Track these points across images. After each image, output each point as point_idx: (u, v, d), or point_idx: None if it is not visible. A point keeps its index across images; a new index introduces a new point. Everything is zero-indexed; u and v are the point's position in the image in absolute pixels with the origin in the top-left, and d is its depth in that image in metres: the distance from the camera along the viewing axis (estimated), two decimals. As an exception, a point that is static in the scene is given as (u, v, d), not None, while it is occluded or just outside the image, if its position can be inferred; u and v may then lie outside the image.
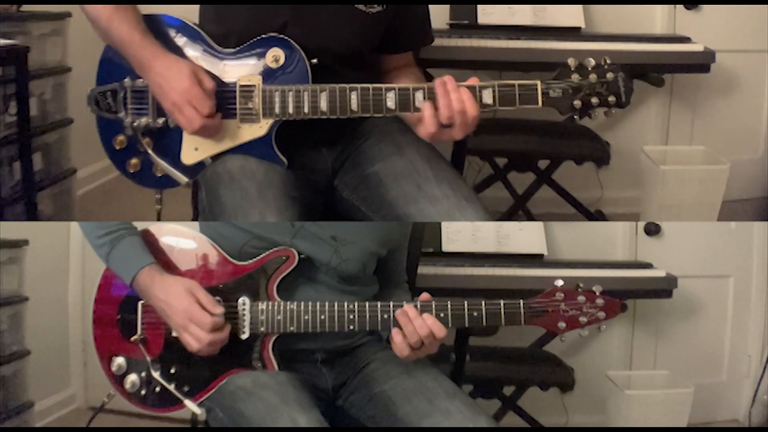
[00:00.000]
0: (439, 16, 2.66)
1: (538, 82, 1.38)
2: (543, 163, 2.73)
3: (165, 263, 1.42)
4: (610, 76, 1.38)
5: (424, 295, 1.36)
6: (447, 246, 2.40)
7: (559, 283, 1.34)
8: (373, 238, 1.46)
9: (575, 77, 1.38)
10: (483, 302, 1.33)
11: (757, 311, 2.81)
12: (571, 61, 1.38)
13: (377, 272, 1.53)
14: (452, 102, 1.36)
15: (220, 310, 1.35)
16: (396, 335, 1.34)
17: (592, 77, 1.38)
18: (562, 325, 1.34)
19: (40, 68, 2.48)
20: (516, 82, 1.38)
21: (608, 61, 1.39)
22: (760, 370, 2.73)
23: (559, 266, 2.39)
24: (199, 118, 1.39)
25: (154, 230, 1.46)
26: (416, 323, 1.32)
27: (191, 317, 1.33)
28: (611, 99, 1.38)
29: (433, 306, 1.34)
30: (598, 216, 2.91)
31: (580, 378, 2.44)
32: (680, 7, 2.99)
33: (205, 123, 1.39)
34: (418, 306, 1.33)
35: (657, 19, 2.99)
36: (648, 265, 2.49)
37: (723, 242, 2.77)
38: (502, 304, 1.33)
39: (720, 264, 2.78)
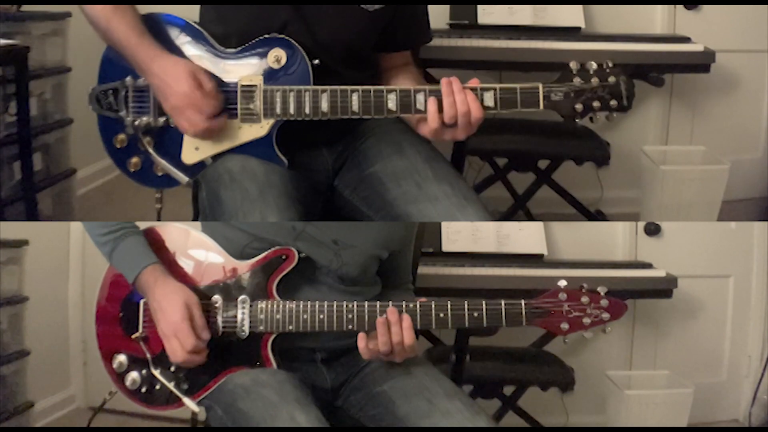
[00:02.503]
0: (439, 16, 2.66)
1: (540, 85, 1.38)
2: (543, 163, 2.73)
3: (166, 261, 1.42)
4: (612, 79, 1.38)
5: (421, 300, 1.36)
6: (447, 246, 2.40)
7: (563, 283, 1.33)
8: (375, 242, 1.46)
9: (577, 80, 1.38)
10: (484, 303, 1.33)
11: (757, 311, 2.81)
12: (573, 64, 1.38)
13: (380, 273, 1.53)
14: (457, 102, 1.36)
15: (206, 336, 1.36)
16: (360, 340, 1.34)
17: (594, 80, 1.37)
18: (564, 326, 1.32)
19: (40, 68, 2.48)
20: (518, 86, 1.37)
21: (610, 65, 1.38)
22: (760, 370, 2.73)
23: (559, 266, 2.39)
24: (202, 121, 1.39)
25: (156, 229, 1.46)
26: (393, 330, 1.32)
27: (177, 332, 1.34)
28: (613, 102, 1.38)
29: (417, 308, 1.33)
30: (598, 216, 2.91)
31: (580, 378, 2.43)
32: (680, 7, 2.99)
33: (209, 125, 1.40)
34: (403, 307, 1.33)
35: (657, 19, 2.98)
36: (648, 265, 2.49)
37: (723, 242, 2.77)
38: (503, 305, 1.32)
39: (720, 264, 2.78)
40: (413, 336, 1.32)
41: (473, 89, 1.37)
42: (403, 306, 1.33)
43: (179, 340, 1.34)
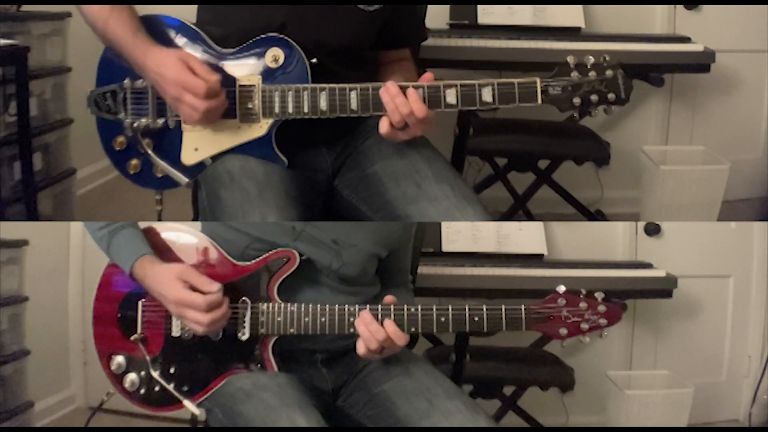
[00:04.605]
0: (439, 16, 2.66)
1: (537, 80, 1.38)
2: (543, 163, 2.73)
3: (166, 262, 1.41)
4: (609, 73, 1.38)
5: (387, 298, 1.35)
6: (447, 246, 2.40)
7: (561, 288, 1.33)
8: (374, 241, 1.46)
9: (575, 75, 1.38)
10: (484, 307, 1.33)
11: (757, 311, 2.81)
12: (571, 59, 1.38)
13: (379, 272, 1.53)
14: (398, 107, 1.37)
15: (216, 287, 1.34)
16: (359, 345, 1.34)
17: (592, 74, 1.38)
18: (563, 331, 1.33)
19: (40, 68, 2.48)
20: (515, 80, 1.38)
21: (607, 59, 1.39)
22: (760, 370, 2.73)
23: (559, 266, 2.39)
24: (201, 101, 1.37)
25: (154, 229, 1.46)
26: (372, 328, 1.32)
27: (186, 304, 1.33)
28: (611, 96, 1.38)
29: (392, 310, 1.33)
30: (598, 216, 2.91)
31: (580, 378, 2.43)
32: (680, 7, 2.99)
33: (209, 105, 1.38)
34: (378, 311, 1.33)
35: (657, 19, 2.99)
36: (648, 265, 2.49)
37: (723, 242, 2.77)
38: (503, 309, 1.32)
39: (720, 264, 2.78)
40: (400, 333, 1.32)
41: (417, 87, 1.37)
42: (405, 310, 1.33)
43: (192, 308, 1.32)
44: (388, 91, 1.38)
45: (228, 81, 1.43)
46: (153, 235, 1.45)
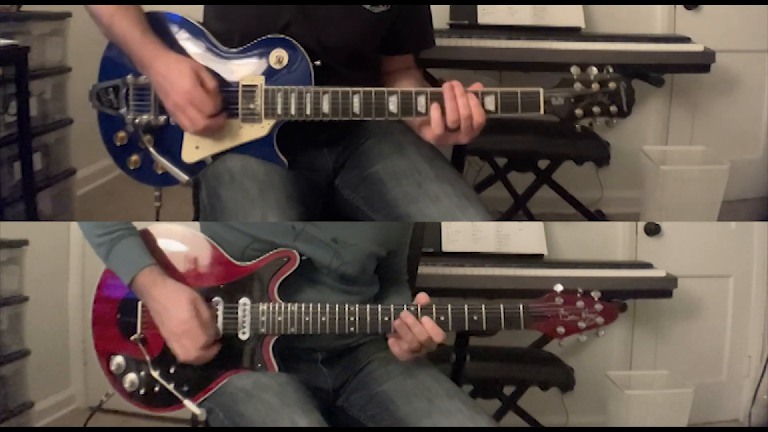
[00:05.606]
0: (439, 16, 2.65)
1: (541, 90, 1.38)
2: (543, 163, 2.73)
3: (165, 264, 1.41)
4: (612, 85, 1.38)
5: (422, 298, 1.36)
6: (447, 246, 2.40)
7: (559, 288, 1.35)
8: (374, 240, 1.46)
9: (578, 86, 1.38)
10: (483, 306, 1.34)
11: (757, 311, 2.81)
12: (574, 70, 1.39)
13: (378, 272, 1.53)
14: (459, 107, 1.36)
15: (213, 330, 1.36)
16: (393, 345, 1.35)
17: (595, 86, 1.38)
18: (561, 330, 1.34)
19: (40, 68, 2.48)
20: (519, 90, 1.38)
21: (611, 71, 1.39)
22: (760, 370, 2.73)
23: (559, 266, 2.39)
24: (202, 119, 1.38)
25: (154, 230, 1.45)
26: (415, 330, 1.32)
27: (187, 331, 1.33)
28: (613, 108, 1.39)
29: (434, 309, 1.34)
30: (598, 216, 2.91)
31: (580, 378, 2.44)
32: (680, 7, 2.99)
33: (209, 123, 1.39)
34: (418, 310, 1.34)
35: (657, 19, 2.98)
36: (648, 265, 2.49)
37: (723, 242, 2.77)
38: (502, 309, 1.34)
39: (720, 264, 2.78)
40: (440, 331, 1.34)
41: (475, 93, 1.37)
42: (404, 308, 1.34)
43: (190, 337, 1.33)
44: (455, 89, 1.37)
45: (231, 80, 1.43)
46: (150, 237, 1.45)
